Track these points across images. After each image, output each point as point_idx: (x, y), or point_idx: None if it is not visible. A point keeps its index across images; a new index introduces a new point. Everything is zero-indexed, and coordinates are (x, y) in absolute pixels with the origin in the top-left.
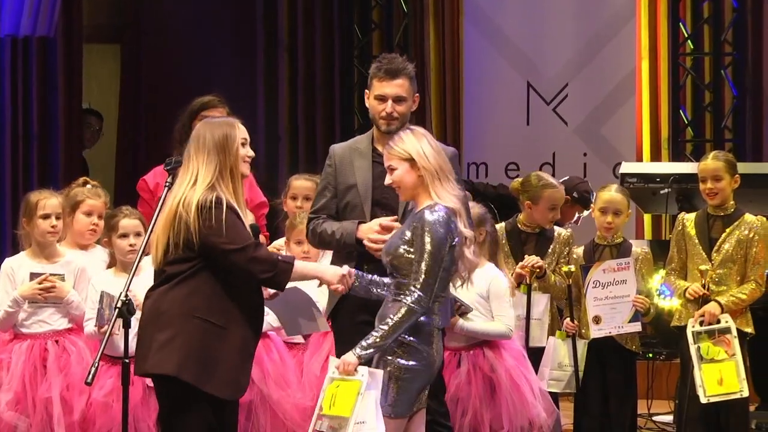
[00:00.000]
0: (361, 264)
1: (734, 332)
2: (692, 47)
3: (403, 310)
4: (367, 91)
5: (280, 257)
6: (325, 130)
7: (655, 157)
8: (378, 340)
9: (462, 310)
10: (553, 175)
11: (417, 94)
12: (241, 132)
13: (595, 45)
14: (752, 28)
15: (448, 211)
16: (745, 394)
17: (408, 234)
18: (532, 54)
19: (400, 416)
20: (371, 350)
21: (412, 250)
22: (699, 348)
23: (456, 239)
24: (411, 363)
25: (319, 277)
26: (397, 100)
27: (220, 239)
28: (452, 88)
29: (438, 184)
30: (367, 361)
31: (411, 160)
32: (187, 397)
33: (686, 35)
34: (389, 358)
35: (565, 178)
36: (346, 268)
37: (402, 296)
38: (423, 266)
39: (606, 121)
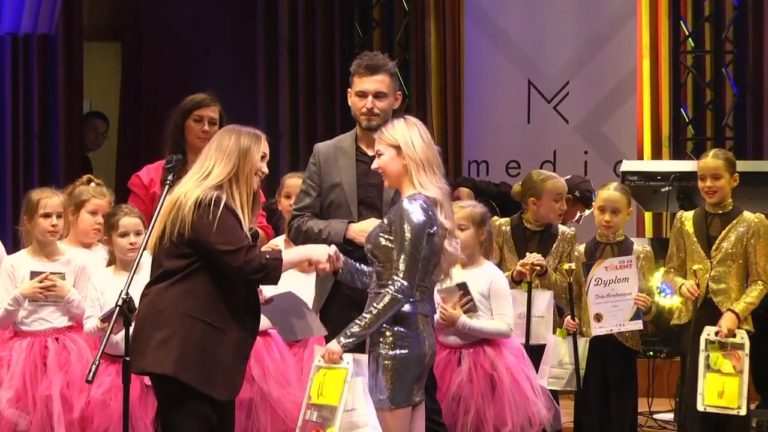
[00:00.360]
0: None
1: (747, 350)
2: (693, 45)
3: (386, 299)
4: (349, 89)
5: (267, 256)
6: (325, 128)
7: (656, 155)
8: (361, 328)
9: (468, 307)
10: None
11: (399, 92)
12: (263, 146)
13: (596, 43)
14: (753, 26)
15: (427, 200)
16: (743, 412)
17: (386, 222)
18: (533, 52)
19: (401, 405)
20: (354, 338)
21: (391, 238)
22: (708, 356)
23: (434, 228)
24: (400, 352)
25: (308, 258)
26: (378, 95)
27: (214, 238)
28: (453, 86)
29: (423, 174)
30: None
31: (398, 148)
32: (185, 396)
33: (687, 33)
34: (379, 351)
35: (567, 177)
36: (333, 248)
37: (384, 285)
38: (403, 254)
39: (607, 119)
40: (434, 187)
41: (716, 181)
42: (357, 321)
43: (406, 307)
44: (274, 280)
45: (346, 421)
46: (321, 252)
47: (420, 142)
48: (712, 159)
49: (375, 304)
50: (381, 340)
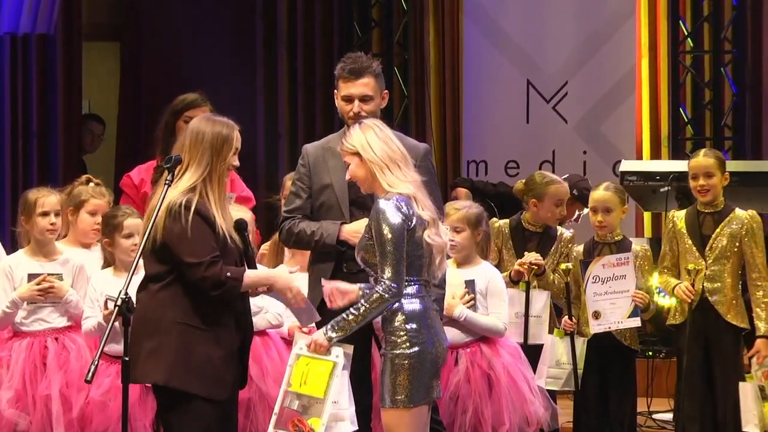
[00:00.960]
0: (339, 263)
1: None
2: (692, 45)
3: (374, 297)
4: (335, 91)
5: (228, 274)
6: (324, 127)
7: (655, 155)
8: (348, 323)
9: (468, 305)
10: (553, 173)
11: (386, 91)
12: (236, 140)
13: (595, 43)
14: (752, 26)
15: (400, 197)
16: None
17: (369, 227)
18: (532, 52)
19: (418, 403)
20: (342, 333)
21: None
22: (763, 387)
23: (413, 223)
24: (415, 349)
25: (270, 284)
26: (364, 99)
27: (181, 247)
28: (452, 86)
29: (388, 173)
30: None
31: (358, 155)
32: (181, 401)
33: (686, 33)
34: (394, 351)
35: (566, 176)
36: (296, 288)
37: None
38: (386, 255)
39: (606, 119)
40: (403, 183)
41: (709, 179)
42: (344, 316)
43: (417, 305)
44: (230, 298)
45: (330, 413)
46: (285, 281)
47: (377, 143)
48: (703, 158)
49: (363, 302)
50: (396, 340)
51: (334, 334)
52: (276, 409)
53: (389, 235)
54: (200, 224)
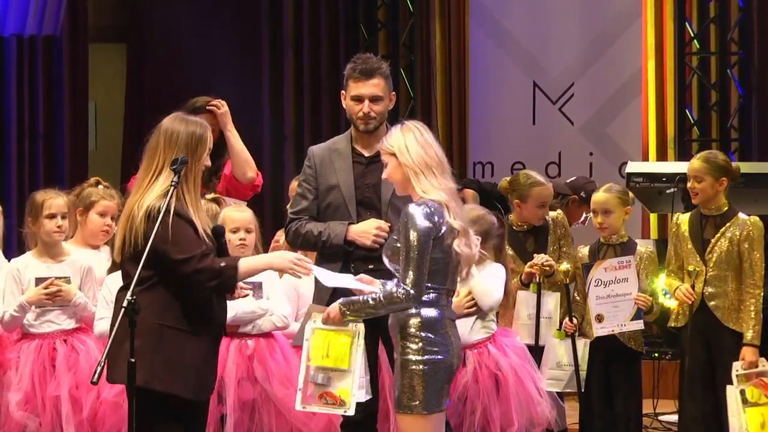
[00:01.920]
0: (347, 264)
1: None
2: (698, 47)
3: (388, 294)
4: (343, 91)
5: (223, 263)
6: (330, 129)
7: (661, 156)
8: (360, 308)
9: (470, 303)
10: (559, 175)
11: (393, 93)
12: (210, 140)
13: (601, 44)
14: (758, 28)
15: (432, 203)
16: None
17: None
18: (538, 53)
19: (434, 411)
20: (356, 316)
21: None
22: (744, 391)
23: (443, 231)
24: (430, 357)
25: (270, 267)
26: (374, 99)
27: (167, 247)
28: (458, 87)
29: (423, 179)
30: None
31: (395, 155)
32: (158, 403)
33: (692, 34)
34: (409, 357)
35: (573, 178)
36: (297, 255)
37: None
38: (410, 262)
39: (612, 121)
40: (437, 190)
41: (697, 183)
42: (359, 299)
43: (434, 313)
44: (228, 288)
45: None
46: (283, 262)
47: (415, 147)
48: (695, 161)
49: (381, 297)
50: (411, 346)
51: (349, 313)
52: (300, 385)
53: (415, 241)
54: (182, 224)
